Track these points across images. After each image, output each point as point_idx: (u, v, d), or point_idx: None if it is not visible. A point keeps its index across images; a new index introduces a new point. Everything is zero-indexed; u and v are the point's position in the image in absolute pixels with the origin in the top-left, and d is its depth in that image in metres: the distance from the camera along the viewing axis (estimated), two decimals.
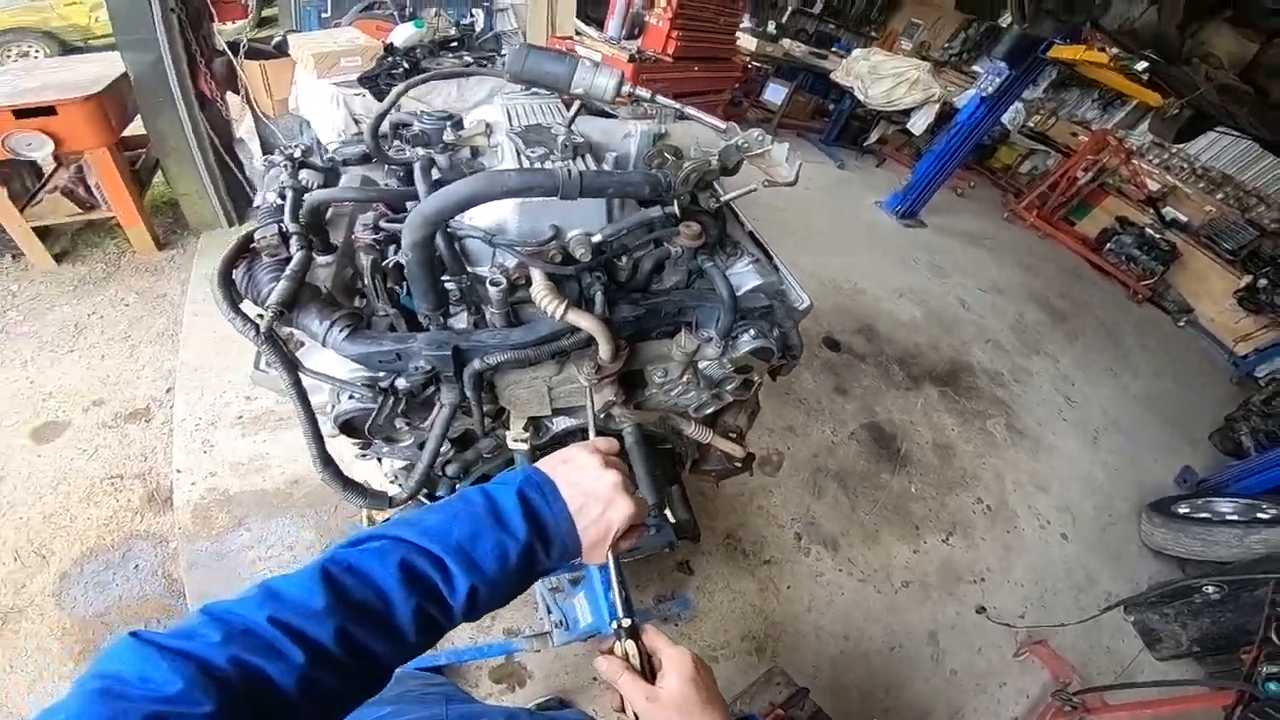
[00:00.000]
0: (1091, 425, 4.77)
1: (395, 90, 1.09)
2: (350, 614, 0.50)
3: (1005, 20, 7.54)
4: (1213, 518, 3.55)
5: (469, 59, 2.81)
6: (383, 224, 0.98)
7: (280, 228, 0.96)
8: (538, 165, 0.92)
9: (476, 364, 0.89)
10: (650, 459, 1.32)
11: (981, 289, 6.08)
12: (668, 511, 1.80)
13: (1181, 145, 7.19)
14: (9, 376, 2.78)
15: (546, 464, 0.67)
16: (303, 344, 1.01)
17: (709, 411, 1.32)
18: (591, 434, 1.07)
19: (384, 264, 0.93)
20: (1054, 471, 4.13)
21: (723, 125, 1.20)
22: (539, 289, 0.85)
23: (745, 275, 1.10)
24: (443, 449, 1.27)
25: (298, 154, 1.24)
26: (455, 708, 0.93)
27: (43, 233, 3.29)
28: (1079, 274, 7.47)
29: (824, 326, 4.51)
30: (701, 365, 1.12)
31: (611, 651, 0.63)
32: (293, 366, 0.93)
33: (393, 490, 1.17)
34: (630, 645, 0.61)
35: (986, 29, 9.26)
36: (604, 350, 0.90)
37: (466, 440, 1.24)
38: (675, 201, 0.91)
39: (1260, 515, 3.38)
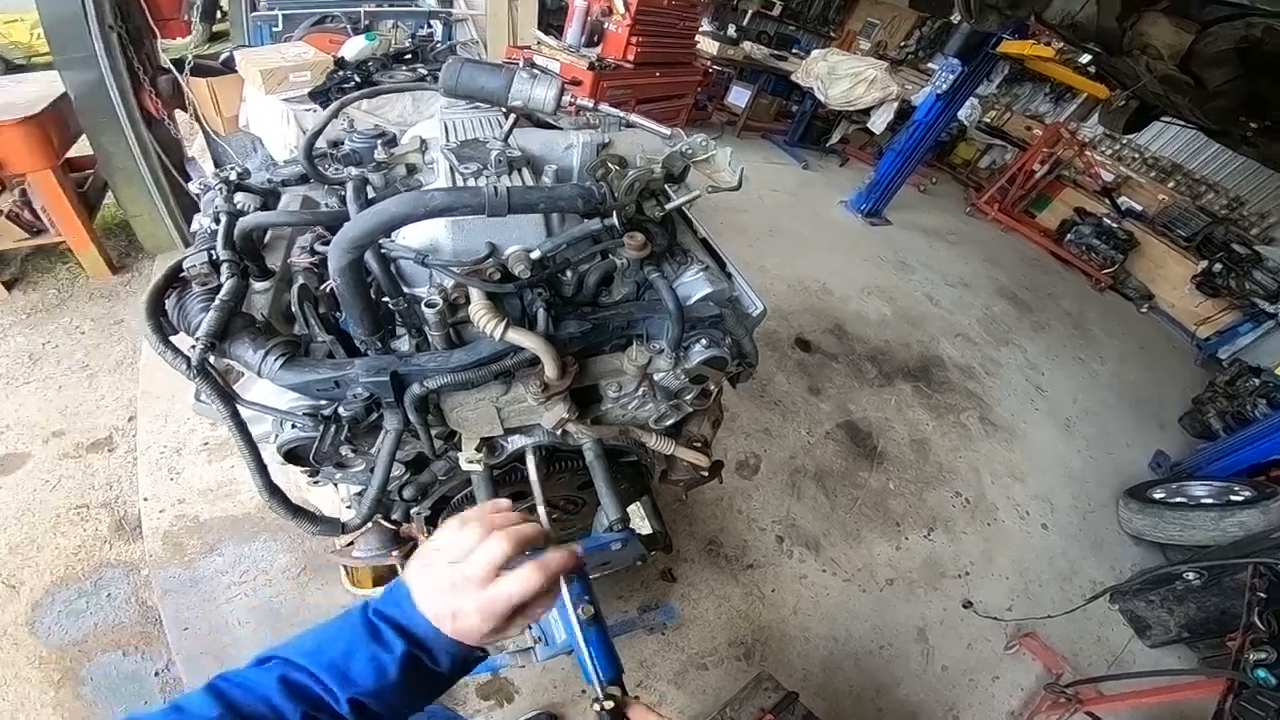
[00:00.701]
0: (1064, 413, 4.86)
1: (329, 109, 1.06)
2: None
3: (955, 17, 7.74)
4: (1188, 502, 3.63)
5: (423, 71, 2.77)
6: (318, 247, 0.95)
7: (210, 255, 0.93)
8: (469, 181, 0.90)
9: (416, 388, 0.86)
10: (612, 474, 1.30)
11: (948, 284, 6.19)
12: (644, 522, 1.78)
13: (1131, 136, 7.42)
14: None
15: (413, 562, 0.68)
16: (243, 374, 0.97)
17: (670, 422, 1.31)
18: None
19: (317, 289, 0.90)
20: (1030, 461, 4.20)
21: (667, 132, 1.19)
22: (477, 309, 0.82)
23: (694, 284, 1.09)
24: (396, 472, 1.24)
25: (233, 177, 1.20)
26: None
27: None
28: (1042, 265, 7.66)
29: (795, 327, 4.54)
30: (656, 377, 1.10)
31: None
32: (229, 399, 0.90)
33: (347, 515, 1.14)
34: None
35: (940, 26, 9.49)
36: (549, 369, 0.88)
37: (421, 463, 1.21)
38: (616, 213, 0.89)
39: (1233, 498, 3.46)
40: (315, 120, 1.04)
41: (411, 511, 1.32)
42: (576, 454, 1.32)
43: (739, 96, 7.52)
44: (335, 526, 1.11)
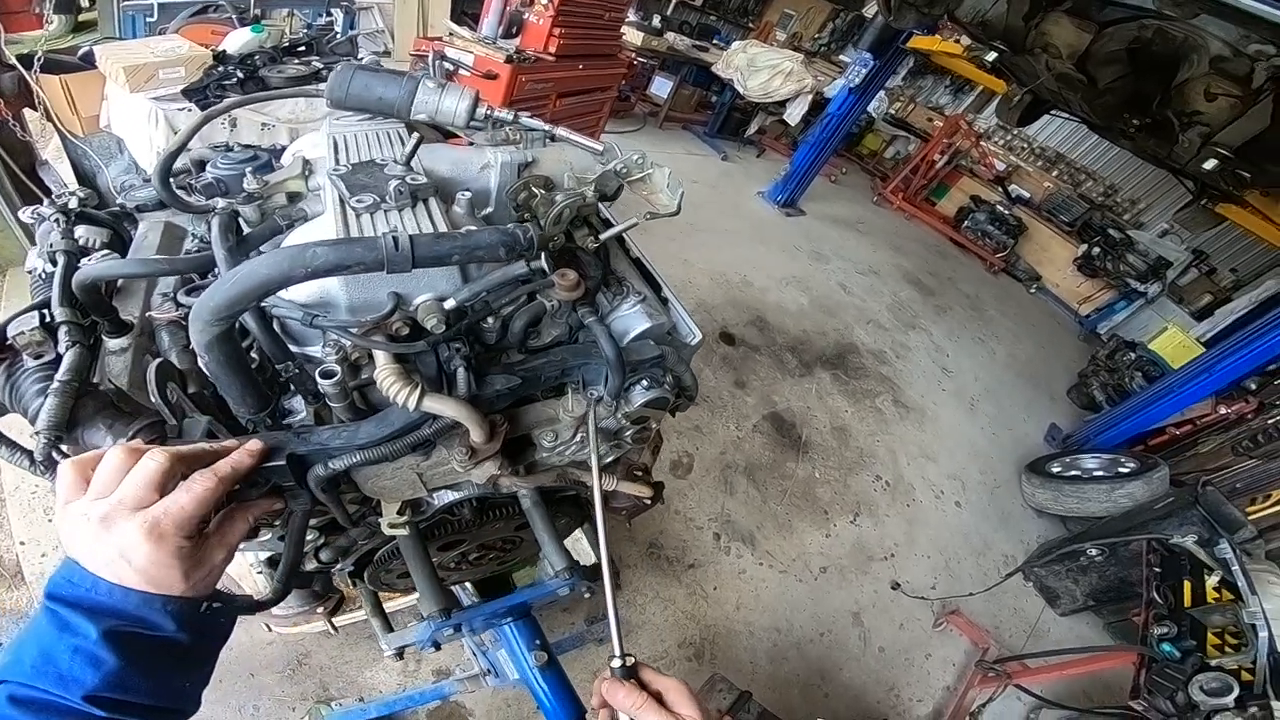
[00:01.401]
0: (968, 393, 5.21)
1: (188, 124, 0.89)
2: None
3: (870, 11, 7.99)
4: (1082, 475, 3.99)
5: (319, 65, 2.50)
6: (181, 298, 0.79)
7: (43, 317, 0.75)
8: (366, 218, 0.76)
9: (320, 470, 0.73)
10: (550, 516, 1.21)
11: (859, 271, 6.47)
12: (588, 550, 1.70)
13: (1022, 128, 8.00)
14: None
15: (59, 521, 0.58)
16: None
17: (610, 460, 1.23)
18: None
19: (183, 363, 0.74)
20: (940, 441, 4.46)
21: (598, 147, 1.09)
22: (384, 375, 0.70)
23: (632, 318, 1.00)
24: (310, 537, 1.09)
25: (73, 204, 0.99)
26: None
27: None
28: (942, 251, 8.17)
29: (719, 321, 4.59)
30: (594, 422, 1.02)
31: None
32: None
33: (259, 584, 0.98)
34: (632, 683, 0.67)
35: (853, 19, 9.81)
36: (475, 435, 0.77)
37: (337, 527, 1.07)
38: (544, 251, 0.79)
39: (1121, 469, 3.82)
40: (174, 139, 0.87)
41: (332, 571, 1.17)
42: (511, 499, 1.21)
43: (661, 87, 7.48)
44: (246, 605, 0.95)
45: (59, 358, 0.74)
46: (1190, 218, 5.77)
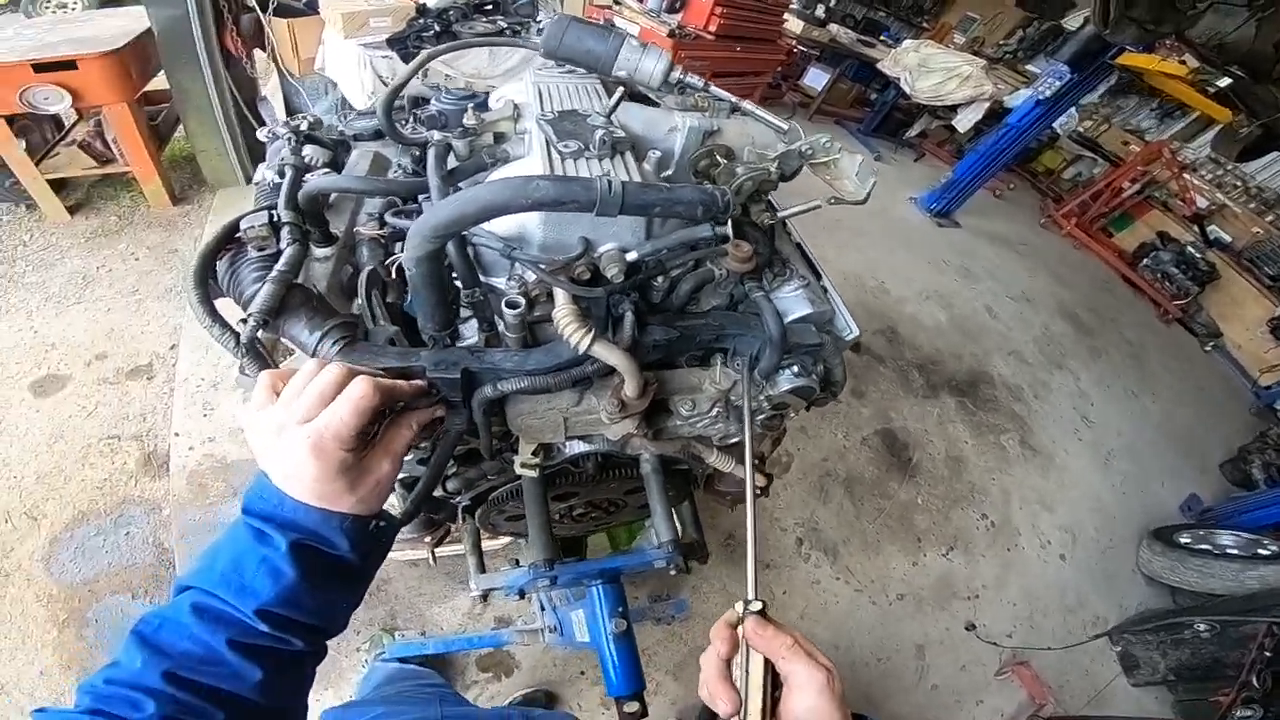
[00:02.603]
0: (1105, 446, 4.63)
1: (414, 63, 0.96)
2: (178, 662, 0.52)
3: (1072, 22, 7.15)
4: (1213, 550, 3.56)
5: (503, 24, 2.63)
6: (388, 218, 0.86)
7: (271, 216, 0.85)
8: (570, 163, 0.79)
9: (488, 390, 0.77)
10: (665, 489, 1.21)
11: (1010, 297, 5.88)
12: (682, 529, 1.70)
13: (1241, 163, 6.83)
14: (13, 326, 2.72)
15: (249, 432, 0.62)
16: (292, 350, 0.90)
17: (735, 441, 1.21)
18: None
19: (383, 274, 0.81)
20: (1062, 491, 4.03)
21: (784, 125, 1.06)
22: (562, 314, 0.73)
23: (794, 301, 0.97)
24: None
25: (304, 127, 1.11)
26: (449, 709, 0.92)
27: (58, 185, 3.26)
28: (1110, 288, 7.23)
29: None
30: (734, 399, 1.00)
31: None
32: None
33: (391, 502, 1.08)
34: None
35: (1048, 29, 8.82)
36: (630, 387, 0.78)
37: (471, 458, 1.14)
38: (729, 220, 0.78)
39: (1260, 551, 3.37)
40: (399, 74, 0.94)
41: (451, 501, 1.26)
42: (631, 461, 1.23)
43: (816, 79, 7.19)
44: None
45: (279, 253, 0.82)
46: None
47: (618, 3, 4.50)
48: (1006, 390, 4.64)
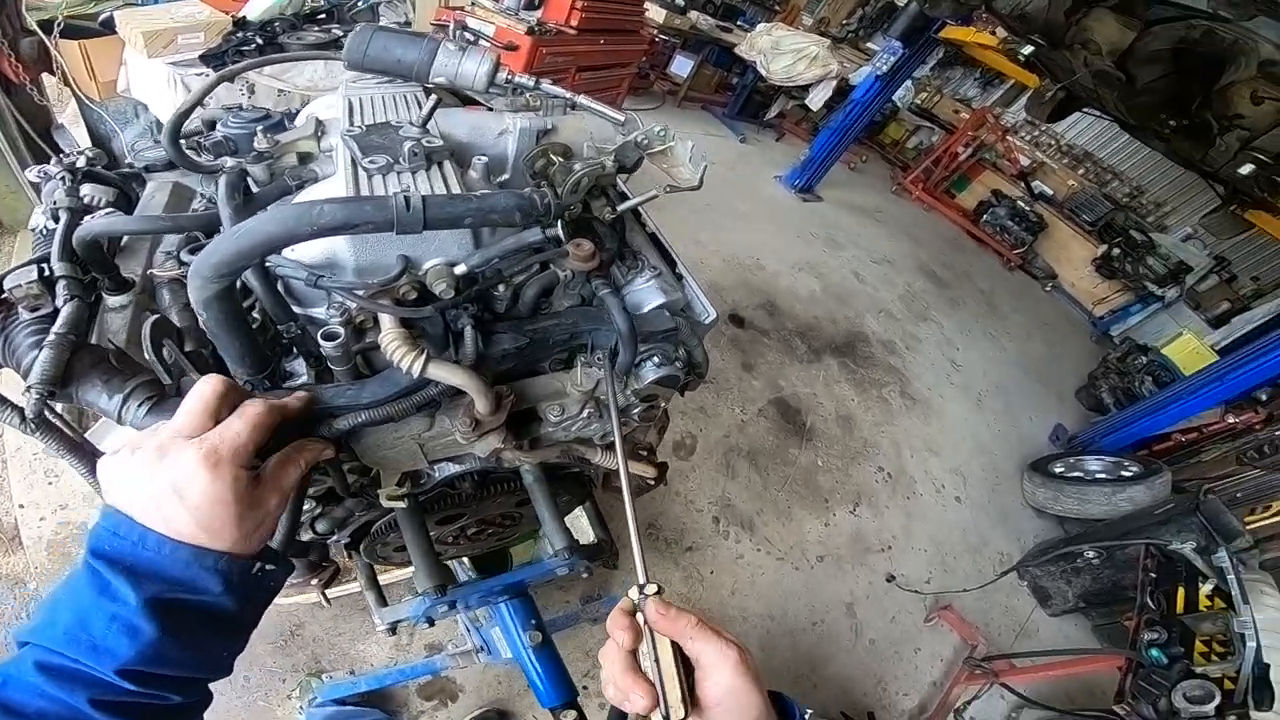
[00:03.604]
0: (975, 388, 5.15)
1: (204, 84, 0.87)
2: None
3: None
4: (1085, 476, 3.94)
5: (338, 33, 2.46)
6: (185, 256, 0.77)
7: (42, 270, 0.73)
8: (378, 179, 0.74)
9: (323, 430, 0.72)
10: (552, 494, 1.20)
11: (874, 260, 6.38)
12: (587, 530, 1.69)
13: (1052, 124, 7.82)
14: None
15: (103, 461, 0.54)
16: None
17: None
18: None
19: (180, 320, 0.73)
20: (945, 435, 4.42)
21: (620, 117, 1.06)
22: (389, 339, 0.68)
23: (647, 292, 0.98)
24: (307, 507, 1.08)
25: (81, 163, 0.97)
26: None
27: None
28: (959, 244, 8.05)
29: (729, 303, 4.56)
30: (601, 397, 1.00)
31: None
32: (86, 454, 0.72)
33: None
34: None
35: (883, 6, 9.55)
36: (480, 404, 0.76)
37: (334, 496, 1.06)
38: (560, 220, 0.77)
39: (1124, 473, 3.77)
40: (186, 99, 0.84)
41: (329, 543, 1.17)
42: (513, 474, 1.21)
43: (682, 67, 7.34)
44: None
45: (56, 312, 0.71)
46: (1216, 223, 5.62)
47: (474, 3, 4.34)
48: (881, 346, 5.03)
